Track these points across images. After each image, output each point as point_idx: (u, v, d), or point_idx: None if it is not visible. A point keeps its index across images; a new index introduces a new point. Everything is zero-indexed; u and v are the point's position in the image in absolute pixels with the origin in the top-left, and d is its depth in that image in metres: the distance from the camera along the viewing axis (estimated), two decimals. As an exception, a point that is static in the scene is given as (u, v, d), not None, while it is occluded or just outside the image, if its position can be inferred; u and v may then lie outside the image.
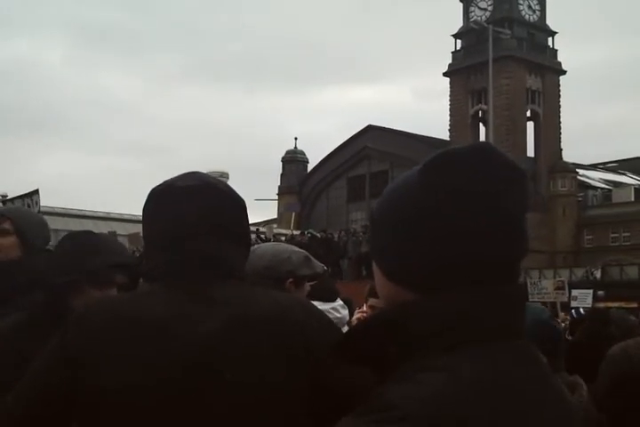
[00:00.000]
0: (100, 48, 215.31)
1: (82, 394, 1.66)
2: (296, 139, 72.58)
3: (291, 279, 2.92)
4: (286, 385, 1.70)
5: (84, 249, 2.62)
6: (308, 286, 3.04)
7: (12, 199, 9.46)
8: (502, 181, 1.19)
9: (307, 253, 3.09)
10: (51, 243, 3.26)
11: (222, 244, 1.84)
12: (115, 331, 1.68)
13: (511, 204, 1.19)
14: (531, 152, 61.28)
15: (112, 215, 54.63)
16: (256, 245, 3.13)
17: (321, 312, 1.95)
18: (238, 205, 1.92)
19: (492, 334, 1.16)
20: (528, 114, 61.89)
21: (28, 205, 8.87)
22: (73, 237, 2.73)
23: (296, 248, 3.14)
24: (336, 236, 28.80)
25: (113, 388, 1.63)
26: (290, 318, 1.77)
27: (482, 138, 58.44)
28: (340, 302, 4.36)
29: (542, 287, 22.83)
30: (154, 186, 1.90)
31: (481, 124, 61.71)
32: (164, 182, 1.89)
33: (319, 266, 3.10)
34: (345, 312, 4.31)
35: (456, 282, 1.17)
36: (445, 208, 1.17)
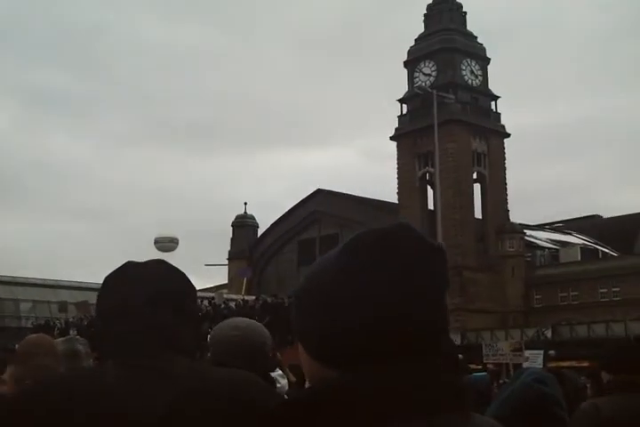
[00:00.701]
0: (49, 112, 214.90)
1: None
2: (246, 204, 72.80)
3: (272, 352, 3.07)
4: None
5: None
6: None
7: None
8: (417, 259, 1.23)
9: None
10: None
11: (172, 318, 1.89)
12: (71, 410, 1.67)
13: (426, 282, 1.23)
14: (478, 213, 62.15)
15: (61, 283, 53.84)
16: (237, 319, 3.19)
17: (268, 385, 2.02)
18: (186, 281, 2.00)
19: (407, 410, 1.15)
20: (475, 176, 63.00)
21: None
22: None
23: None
24: (287, 301, 28.67)
25: None
26: (242, 393, 1.80)
27: (430, 200, 59.30)
28: (279, 371, 4.42)
29: (498, 349, 22.92)
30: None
31: (429, 187, 62.57)
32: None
33: None
34: (284, 382, 4.38)
35: (370, 357, 1.18)
36: (356, 288, 1.21)
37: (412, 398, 1.16)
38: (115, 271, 1.98)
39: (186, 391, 1.74)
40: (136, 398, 1.70)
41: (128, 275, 1.95)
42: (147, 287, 1.92)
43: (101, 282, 2.01)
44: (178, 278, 2.00)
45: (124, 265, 1.99)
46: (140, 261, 2.03)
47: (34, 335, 4.71)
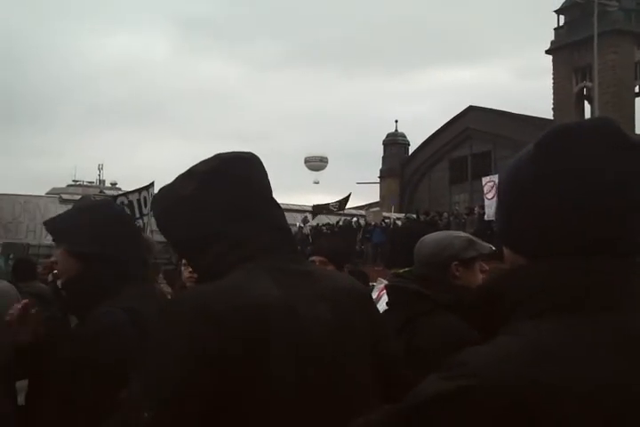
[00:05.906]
0: (202, 38, 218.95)
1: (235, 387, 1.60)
2: (396, 121, 72.18)
3: (455, 262, 3.12)
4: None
5: None
6: (482, 265, 3.21)
7: (128, 193, 9.27)
8: (613, 157, 1.20)
9: (470, 237, 3.25)
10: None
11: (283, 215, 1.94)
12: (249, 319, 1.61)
13: (622, 179, 1.20)
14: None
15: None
16: (426, 236, 3.31)
17: None
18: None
19: (578, 305, 1.17)
20: (637, 89, 59.81)
21: (145, 198, 8.86)
22: None
23: (460, 233, 3.35)
24: (438, 218, 28.53)
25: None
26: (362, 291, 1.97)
27: (587, 116, 56.92)
28: None
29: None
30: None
31: (586, 102, 60.05)
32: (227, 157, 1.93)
33: (485, 247, 3.23)
34: None
35: (559, 252, 1.21)
36: (549, 183, 1.22)
37: (575, 295, 1.17)
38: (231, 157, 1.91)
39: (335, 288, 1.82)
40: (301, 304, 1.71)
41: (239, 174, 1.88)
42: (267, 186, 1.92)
43: None
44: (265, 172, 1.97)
45: (236, 154, 1.93)
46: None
47: None
